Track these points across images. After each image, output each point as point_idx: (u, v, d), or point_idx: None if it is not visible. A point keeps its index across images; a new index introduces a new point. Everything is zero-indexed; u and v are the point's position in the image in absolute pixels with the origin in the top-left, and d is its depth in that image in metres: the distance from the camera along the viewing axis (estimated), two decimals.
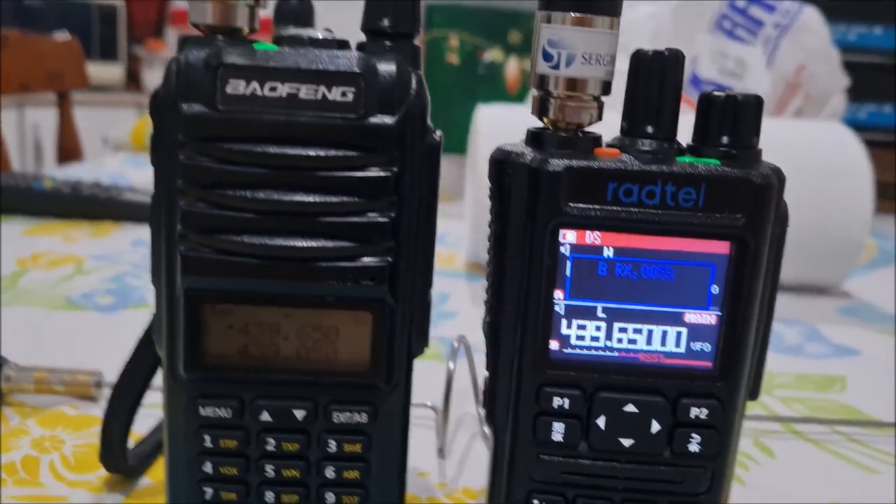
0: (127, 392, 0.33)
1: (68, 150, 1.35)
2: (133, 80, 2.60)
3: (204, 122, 0.26)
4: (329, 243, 0.26)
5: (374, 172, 0.26)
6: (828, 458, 0.42)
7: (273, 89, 0.26)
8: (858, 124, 1.04)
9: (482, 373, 0.31)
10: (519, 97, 0.98)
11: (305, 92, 0.26)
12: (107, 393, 0.42)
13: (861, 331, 0.62)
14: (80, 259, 0.66)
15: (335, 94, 0.26)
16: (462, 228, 0.82)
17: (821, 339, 0.59)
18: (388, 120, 0.26)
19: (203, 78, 0.25)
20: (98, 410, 0.41)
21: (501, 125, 0.68)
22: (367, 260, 0.27)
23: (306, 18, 0.52)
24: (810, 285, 0.69)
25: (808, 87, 0.86)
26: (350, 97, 0.26)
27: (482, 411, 0.41)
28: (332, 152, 0.26)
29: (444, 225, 0.88)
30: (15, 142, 2.20)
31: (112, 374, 0.44)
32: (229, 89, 0.25)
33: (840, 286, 0.71)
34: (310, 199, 0.26)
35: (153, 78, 2.45)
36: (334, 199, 0.26)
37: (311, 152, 0.26)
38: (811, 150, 0.68)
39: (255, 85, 0.25)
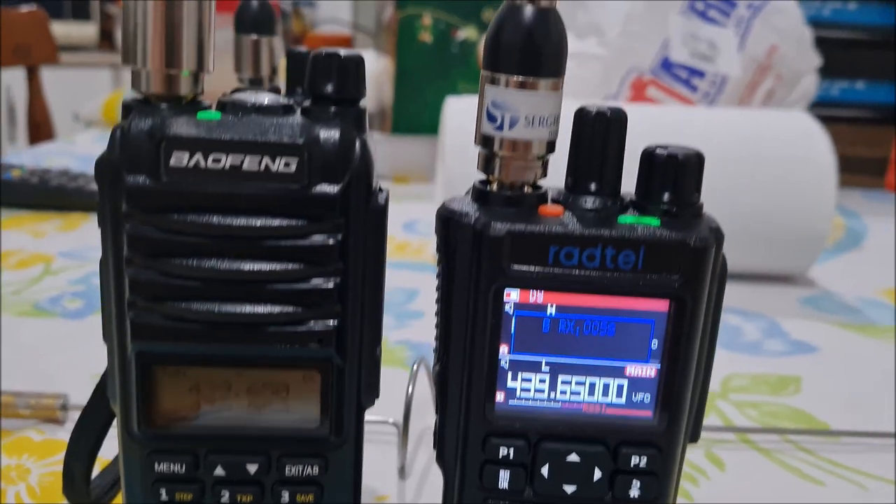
0: (87, 433, 0.33)
1: (39, 125, 1.34)
2: (107, 39, 2.56)
3: (148, 194, 0.26)
4: (276, 309, 0.27)
5: (318, 240, 0.26)
6: (777, 469, 0.43)
7: (217, 161, 0.26)
8: (831, 101, 1.05)
9: None
10: None
11: (249, 163, 0.26)
12: (73, 416, 0.43)
13: (821, 325, 0.63)
14: (48, 258, 0.67)
15: (278, 165, 0.26)
16: (432, 213, 0.82)
17: (780, 335, 0.60)
18: (331, 189, 0.26)
19: (147, 149, 0.26)
20: (64, 434, 0.42)
21: (469, 119, 0.68)
22: (314, 324, 0.27)
23: (268, 25, 0.52)
24: (775, 273, 0.70)
25: (779, 67, 0.87)
26: (293, 167, 0.26)
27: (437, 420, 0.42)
28: (277, 222, 0.26)
29: (413, 209, 0.89)
30: None
31: (78, 391, 0.44)
32: (173, 161, 0.26)
33: (805, 274, 0.72)
34: (256, 267, 0.26)
35: None
36: (279, 266, 0.26)
37: (256, 222, 0.26)
38: (775, 141, 0.69)
39: (198, 157, 0.26)
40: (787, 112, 0.73)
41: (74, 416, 0.43)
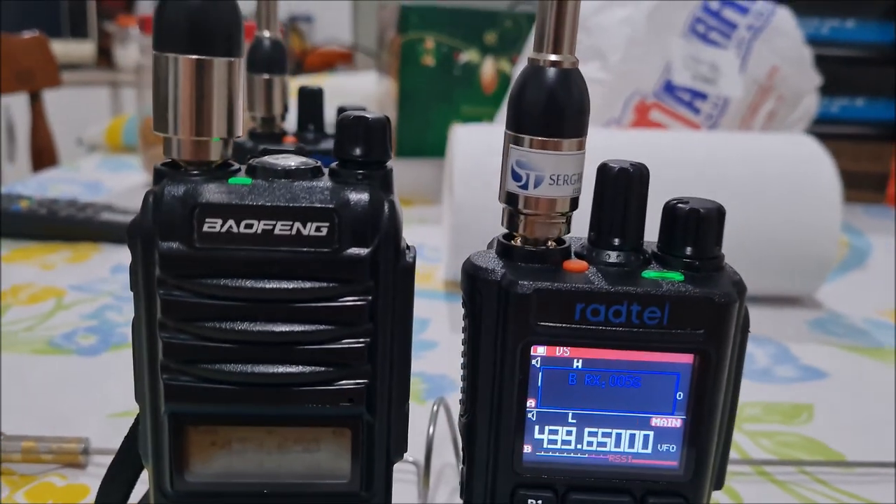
0: (116, 485, 0.33)
1: (42, 151, 1.34)
2: (105, 57, 2.57)
3: (181, 260, 0.26)
4: (307, 369, 0.27)
5: (349, 302, 0.27)
6: (792, 501, 0.43)
7: (249, 226, 0.26)
8: (831, 118, 1.06)
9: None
10: (496, 98, 0.98)
11: (280, 228, 0.26)
12: (95, 460, 0.43)
13: (830, 349, 0.63)
14: (60, 292, 0.67)
15: (310, 230, 0.26)
16: (439, 236, 0.82)
17: (790, 360, 0.61)
18: (362, 252, 0.27)
19: (179, 216, 0.26)
20: (86, 478, 0.42)
21: (477, 146, 0.69)
22: (344, 383, 0.28)
23: (279, 64, 0.52)
24: (782, 296, 0.71)
25: (780, 88, 0.87)
26: (324, 232, 0.26)
27: (461, 465, 0.43)
28: (308, 285, 0.27)
29: (421, 233, 0.89)
30: None
31: (97, 433, 0.45)
32: (206, 228, 0.26)
33: (811, 296, 0.72)
34: (287, 328, 0.27)
35: (125, 55, 2.42)
36: (310, 328, 0.27)
37: (288, 285, 0.27)
38: (779, 164, 0.69)
39: (231, 223, 0.26)
40: (791, 136, 0.73)
41: (96, 459, 0.43)
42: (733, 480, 0.45)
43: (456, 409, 0.44)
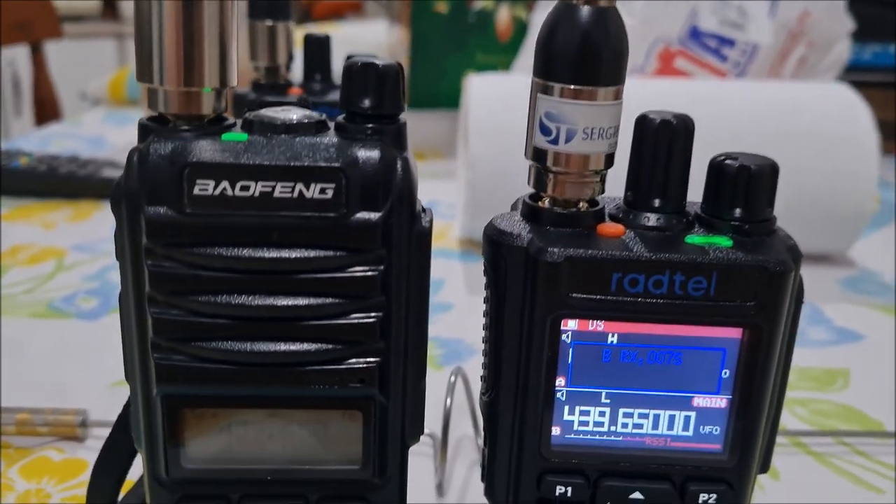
0: (110, 467, 0.31)
1: (44, 103, 1.31)
2: (110, 9, 2.51)
3: (171, 227, 0.23)
4: (313, 347, 0.24)
5: (358, 272, 0.24)
6: (833, 476, 0.41)
7: (245, 189, 0.23)
8: (862, 65, 1.01)
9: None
10: (511, 46, 0.94)
11: (280, 190, 0.23)
12: (93, 432, 0.41)
13: (864, 309, 0.60)
14: (61, 252, 0.64)
15: (314, 192, 0.23)
16: (453, 192, 0.79)
17: (823, 322, 0.58)
18: (372, 216, 0.24)
19: (168, 177, 0.23)
20: (84, 452, 0.40)
21: (493, 98, 0.65)
22: (354, 362, 0.25)
23: (283, 9, 0.49)
24: (814, 253, 0.67)
25: (811, 34, 0.83)
26: (330, 194, 0.23)
27: (481, 442, 0.40)
28: (313, 253, 0.24)
29: (435, 188, 0.86)
30: None
31: (96, 403, 0.43)
32: (197, 190, 0.23)
33: (845, 254, 0.69)
34: (290, 302, 0.24)
35: (130, 6, 2.37)
36: (316, 301, 0.24)
37: (289, 254, 0.24)
38: (814, 115, 0.65)
39: (225, 185, 0.23)
40: (825, 84, 0.69)
41: (95, 432, 0.41)
42: None
43: (474, 378, 0.42)
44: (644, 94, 0.67)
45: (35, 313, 0.54)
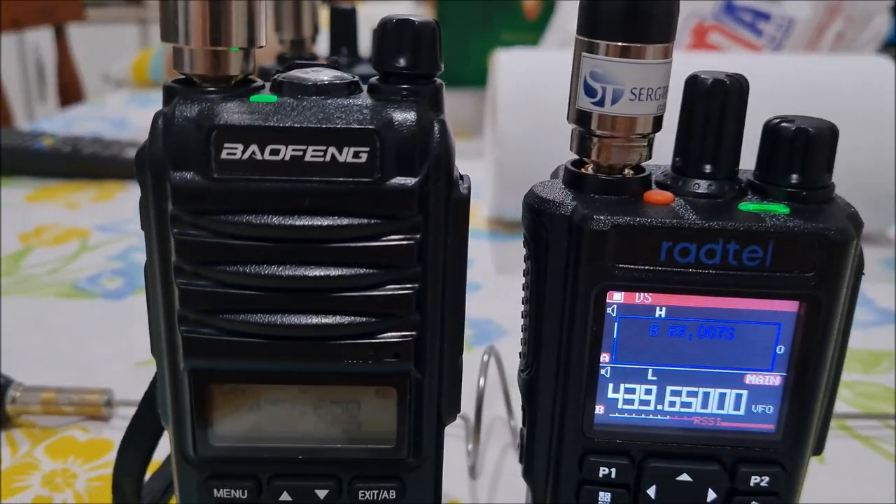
0: (136, 445, 0.30)
1: (69, 86, 1.31)
2: None
3: (198, 193, 0.22)
4: (346, 320, 0.23)
5: (394, 241, 0.23)
6: (881, 460, 0.39)
7: (275, 152, 0.22)
8: None
9: (513, 372, 0.28)
10: (539, 24, 0.92)
11: (312, 154, 0.22)
12: (118, 412, 0.40)
13: None
14: (84, 232, 0.64)
15: (346, 156, 0.22)
16: (481, 171, 0.78)
17: (866, 303, 0.56)
18: (408, 182, 0.22)
19: (195, 141, 0.22)
20: (110, 431, 0.39)
21: (522, 74, 0.63)
22: (388, 336, 0.24)
23: None
24: None
25: (849, 7, 0.80)
26: (364, 158, 0.22)
27: (514, 424, 0.39)
28: (346, 221, 0.23)
29: (462, 168, 0.85)
30: (17, 70, 2.14)
31: (121, 383, 0.42)
32: (225, 154, 0.22)
33: (884, 233, 0.67)
34: (322, 273, 0.23)
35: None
36: (349, 272, 0.23)
37: (321, 222, 0.22)
38: (854, 90, 0.63)
39: (254, 148, 0.22)
40: (866, 58, 0.67)
41: (120, 411, 0.40)
42: None
43: (506, 358, 0.40)
44: (678, 70, 0.66)
45: (60, 293, 0.54)
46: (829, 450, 0.40)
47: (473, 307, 0.53)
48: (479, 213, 0.71)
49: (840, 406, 0.44)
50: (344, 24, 0.48)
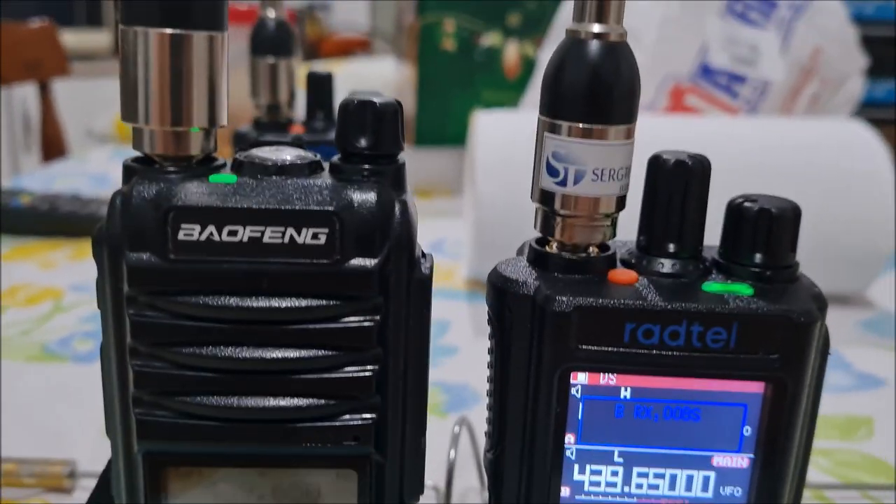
0: None
1: (52, 141, 1.31)
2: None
3: (154, 274, 0.22)
4: (304, 402, 0.23)
5: (353, 322, 0.23)
6: None
7: (233, 233, 0.22)
8: (876, 102, 1.00)
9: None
10: (519, 84, 0.93)
11: (270, 235, 0.22)
12: (81, 483, 0.39)
13: (885, 353, 0.58)
14: (58, 292, 0.63)
15: (305, 237, 0.22)
16: (460, 230, 0.78)
17: (844, 366, 0.56)
18: (368, 263, 0.22)
19: (152, 222, 0.22)
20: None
21: (501, 135, 0.64)
22: (348, 418, 0.23)
23: (285, 46, 0.48)
24: (830, 294, 0.66)
25: (824, 71, 0.82)
26: (323, 240, 0.22)
27: (486, 496, 0.38)
28: (304, 303, 0.22)
29: (441, 226, 0.84)
30: (4, 124, 2.14)
31: (87, 452, 0.41)
32: (182, 235, 0.22)
33: (861, 294, 0.67)
34: (280, 355, 0.22)
35: None
36: (308, 354, 0.23)
37: (280, 304, 0.22)
38: (829, 152, 0.64)
39: (211, 229, 0.22)
40: (840, 121, 0.68)
41: (83, 483, 0.39)
42: None
43: (479, 425, 0.40)
44: (655, 131, 0.66)
45: (30, 356, 0.53)
46: None
47: (449, 371, 0.53)
48: (458, 274, 0.70)
49: (817, 475, 0.43)
50: (320, 89, 0.49)
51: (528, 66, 0.94)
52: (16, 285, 0.64)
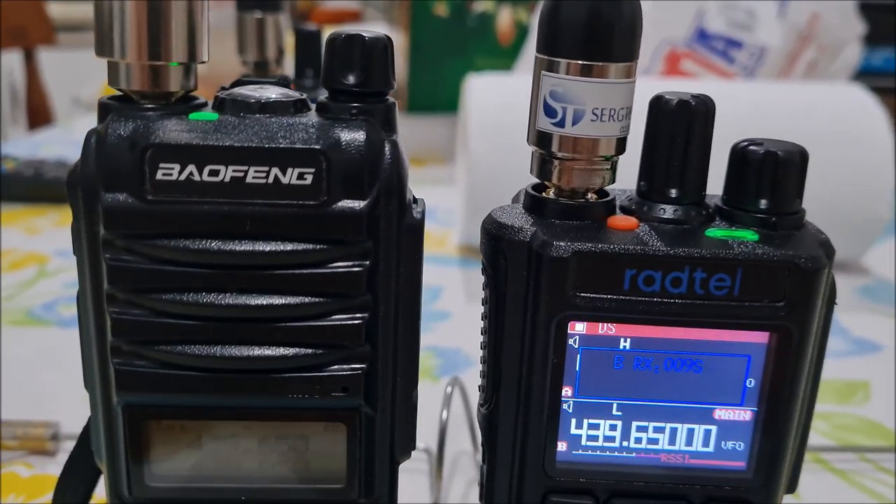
0: (74, 486, 0.28)
1: (38, 109, 1.29)
2: None
3: (131, 216, 0.21)
4: (290, 352, 0.22)
5: (341, 268, 0.22)
6: (858, 494, 0.38)
7: (214, 173, 0.21)
8: (873, 70, 0.99)
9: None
10: (512, 50, 0.92)
11: (254, 175, 0.21)
12: (65, 446, 0.38)
13: (882, 319, 0.58)
14: (43, 258, 0.62)
15: (290, 177, 0.21)
16: (453, 198, 0.77)
17: (841, 332, 0.55)
18: (356, 205, 0.21)
19: (128, 161, 0.21)
20: (55, 467, 0.37)
21: (494, 98, 0.63)
22: (336, 368, 0.22)
23: (273, 2, 0.47)
24: None
25: (821, 37, 0.80)
26: (309, 180, 0.21)
27: (479, 458, 0.38)
28: (290, 247, 0.21)
29: (434, 194, 0.83)
30: None
31: (71, 415, 0.40)
32: (160, 175, 0.21)
33: (858, 261, 0.67)
34: (264, 301, 0.21)
35: None
36: (294, 300, 0.22)
37: (264, 248, 0.21)
38: (827, 117, 0.63)
39: (191, 168, 0.21)
40: (839, 85, 0.67)
41: (67, 446, 0.38)
42: None
43: (472, 388, 0.39)
44: (650, 95, 0.65)
45: (14, 321, 0.52)
46: (804, 484, 0.38)
47: (442, 336, 0.52)
48: (450, 241, 0.69)
49: (815, 438, 0.43)
50: (309, 46, 0.47)
51: (522, 31, 0.92)
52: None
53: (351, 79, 0.22)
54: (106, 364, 0.22)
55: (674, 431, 0.24)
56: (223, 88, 0.23)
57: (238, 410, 0.23)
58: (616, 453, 0.24)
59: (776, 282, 0.22)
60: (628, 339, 0.23)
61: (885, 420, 0.45)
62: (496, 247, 0.23)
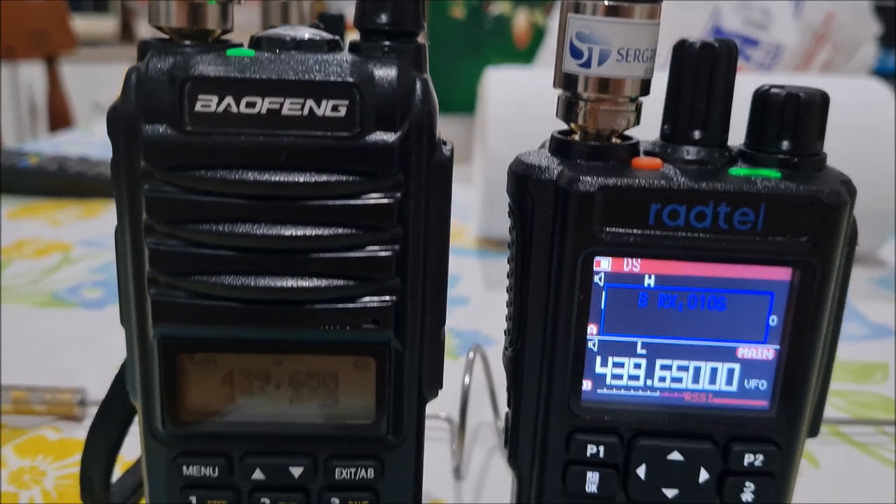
0: (106, 431, 0.29)
1: (59, 115, 1.31)
2: (127, 33, 2.53)
3: (170, 147, 0.21)
4: (322, 283, 0.22)
5: (373, 199, 0.22)
6: (875, 464, 0.38)
7: (251, 105, 0.21)
8: (888, 72, 0.99)
9: (499, 375, 0.27)
10: (528, 53, 0.92)
11: (289, 107, 0.21)
12: (91, 412, 0.39)
13: None
14: (67, 246, 0.63)
15: (325, 109, 0.21)
16: (471, 195, 0.78)
17: (858, 318, 0.55)
18: (388, 138, 0.22)
19: (168, 94, 0.21)
20: (82, 432, 0.38)
21: (512, 90, 0.63)
22: (367, 300, 0.23)
23: None
24: None
25: (836, 36, 0.81)
26: (343, 112, 0.21)
27: (500, 425, 0.38)
28: (323, 178, 0.22)
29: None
30: (9, 101, 2.14)
31: (97, 385, 0.40)
32: (199, 107, 0.21)
33: (874, 253, 0.67)
34: (298, 232, 0.22)
35: (149, 30, 2.38)
36: (327, 231, 0.22)
37: (298, 178, 0.22)
38: (844, 110, 0.63)
39: (229, 100, 0.21)
40: (856, 79, 0.67)
41: (93, 412, 0.39)
42: (809, 442, 0.40)
43: (493, 361, 0.39)
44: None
45: (38, 302, 0.53)
46: (825, 456, 0.39)
47: (460, 320, 0.53)
48: (468, 234, 0.70)
49: (834, 413, 0.43)
50: (332, 30, 0.48)
51: (538, 34, 0.93)
52: (23, 239, 0.64)
53: (383, 18, 0.22)
54: (143, 297, 0.23)
55: (697, 370, 0.24)
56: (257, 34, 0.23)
57: (270, 343, 0.23)
58: (640, 392, 0.25)
59: (799, 216, 0.23)
60: (653, 277, 0.24)
61: None
62: (523, 187, 0.24)
